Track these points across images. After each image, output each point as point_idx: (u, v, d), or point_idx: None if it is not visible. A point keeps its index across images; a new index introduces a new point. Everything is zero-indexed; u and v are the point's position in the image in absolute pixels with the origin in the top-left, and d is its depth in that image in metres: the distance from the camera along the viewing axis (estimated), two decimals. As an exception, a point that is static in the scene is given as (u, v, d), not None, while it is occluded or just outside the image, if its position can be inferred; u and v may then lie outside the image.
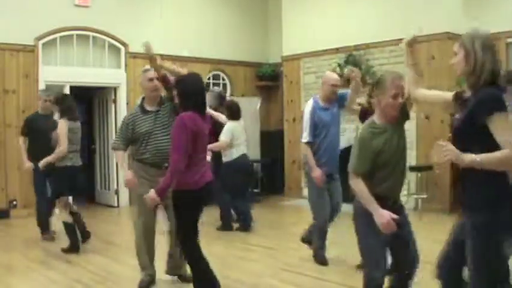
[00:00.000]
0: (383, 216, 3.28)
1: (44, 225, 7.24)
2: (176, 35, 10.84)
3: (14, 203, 8.94)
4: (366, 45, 9.54)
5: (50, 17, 9.28)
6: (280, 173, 11.32)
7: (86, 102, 11.27)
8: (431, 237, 5.81)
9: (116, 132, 10.15)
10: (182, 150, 4.04)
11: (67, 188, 6.55)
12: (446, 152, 2.78)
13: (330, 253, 6.15)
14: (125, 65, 10.27)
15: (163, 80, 4.92)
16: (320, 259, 5.80)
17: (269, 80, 12.02)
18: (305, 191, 10.68)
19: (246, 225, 7.73)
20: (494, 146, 2.73)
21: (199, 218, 4.33)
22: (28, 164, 7.02)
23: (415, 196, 8.62)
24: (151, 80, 4.92)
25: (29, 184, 8.32)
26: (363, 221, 3.45)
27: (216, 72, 11.69)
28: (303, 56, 10.72)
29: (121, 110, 10.21)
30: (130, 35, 10.19)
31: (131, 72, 10.29)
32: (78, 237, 6.61)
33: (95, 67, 9.94)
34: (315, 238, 5.87)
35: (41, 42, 9.24)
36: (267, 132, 11.58)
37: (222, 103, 8.18)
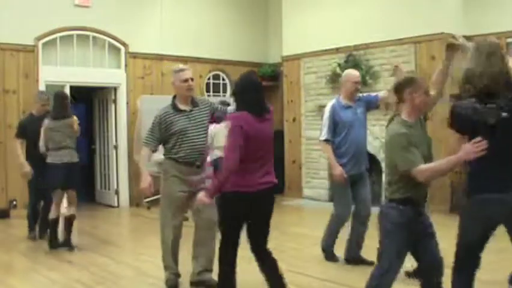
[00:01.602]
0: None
1: (31, 223, 7.30)
2: (176, 35, 10.84)
3: (14, 203, 8.94)
4: (366, 45, 9.54)
5: (50, 17, 9.28)
6: (280, 173, 11.31)
7: (86, 102, 11.28)
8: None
9: (116, 132, 10.23)
10: (234, 149, 3.89)
11: (53, 182, 6.56)
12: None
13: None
14: (125, 65, 10.27)
15: None
16: (330, 256, 5.83)
17: (269, 80, 11.99)
18: (305, 191, 10.72)
19: None
20: None
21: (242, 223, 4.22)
22: (28, 168, 6.99)
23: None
24: (185, 80, 4.86)
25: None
26: (389, 222, 3.42)
27: (215, 72, 11.69)
28: (303, 56, 10.72)
29: (120, 110, 10.22)
30: (130, 35, 10.20)
31: (131, 72, 10.30)
32: (57, 235, 6.70)
33: (95, 67, 9.94)
34: (326, 234, 5.86)
35: (41, 42, 9.25)
36: (267, 132, 11.55)
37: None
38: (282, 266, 5.56)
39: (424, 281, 3.60)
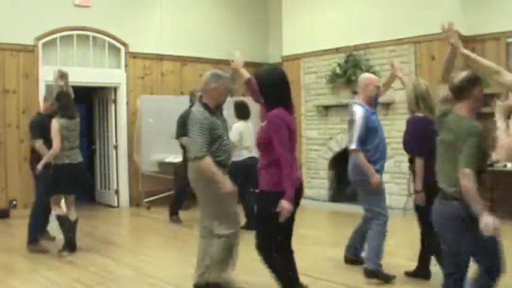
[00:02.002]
0: (490, 220, 3.16)
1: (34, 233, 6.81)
2: (176, 34, 10.84)
3: (14, 203, 8.94)
4: (366, 45, 9.53)
5: (50, 17, 9.28)
6: (280, 173, 11.27)
7: (86, 102, 11.27)
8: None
9: (116, 132, 10.23)
10: (285, 147, 4.00)
11: (64, 186, 6.42)
12: None
13: (332, 253, 6.15)
14: (125, 65, 10.27)
15: (248, 84, 4.91)
16: (385, 276, 5.23)
17: (269, 80, 11.99)
18: (306, 191, 10.67)
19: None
20: None
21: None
22: None
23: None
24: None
25: (29, 184, 8.32)
26: (456, 224, 3.39)
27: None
28: (303, 56, 10.71)
29: (120, 110, 10.22)
30: (130, 35, 10.21)
31: (131, 72, 10.30)
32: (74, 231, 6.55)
33: (95, 67, 9.94)
34: (372, 253, 5.26)
35: (41, 42, 9.25)
36: (267, 132, 11.53)
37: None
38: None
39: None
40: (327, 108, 10.22)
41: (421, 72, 8.81)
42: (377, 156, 5.30)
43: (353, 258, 5.74)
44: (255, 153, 6.92)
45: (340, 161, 10.22)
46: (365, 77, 5.61)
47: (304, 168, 10.74)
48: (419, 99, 4.96)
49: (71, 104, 6.59)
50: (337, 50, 10.01)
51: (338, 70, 9.74)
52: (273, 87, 4.13)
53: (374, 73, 9.22)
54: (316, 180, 10.43)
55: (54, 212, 6.67)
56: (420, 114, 4.96)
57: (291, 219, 4.19)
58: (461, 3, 8.82)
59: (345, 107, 9.85)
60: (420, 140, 4.81)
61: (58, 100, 6.55)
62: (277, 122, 3.98)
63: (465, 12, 8.78)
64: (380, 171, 5.31)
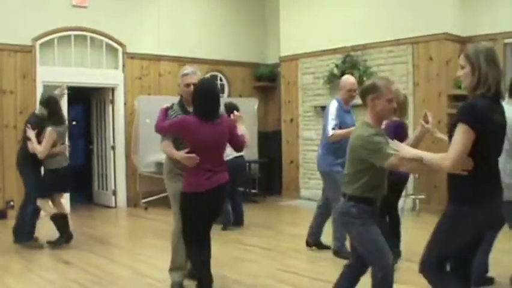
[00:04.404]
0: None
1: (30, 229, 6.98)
2: (174, 35, 10.84)
3: (11, 203, 8.92)
4: (364, 45, 9.55)
5: (48, 18, 9.28)
6: (277, 174, 11.31)
7: (84, 102, 11.27)
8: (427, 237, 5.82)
9: (114, 132, 10.22)
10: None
11: (55, 187, 6.72)
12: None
13: (329, 254, 6.15)
14: (123, 66, 10.26)
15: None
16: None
17: (267, 81, 12.01)
18: (302, 192, 10.72)
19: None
20: (473, 151, 2.98)
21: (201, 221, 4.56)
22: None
23: (413, 197, 8.62)
24: (188, 85, 4.78)
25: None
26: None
27: (213, 73, 11.68)
28: (300, 57, 10.73)
29: (118, 111, 10.22)
30: (128, 35, 10.20)
31: (129, 72, 10.29)
32: (67, 227, 6.81)
33: (92, 68, 9.93)
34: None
35: (38, 42, 9.24)
36: (264, 132, 11.57)
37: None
38: (279, 266, 5.59)
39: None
40: (324, 108, 10.20)
41: (419, 73, 8.82)
42: (340, 154, 5.48)
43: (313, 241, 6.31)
44: (242, 152, 7.00)
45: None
46: (342, 79, 6.08)
47: (302, 168, 10.75)
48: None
49: (60, 109, 6.79)
50: (335, 51, 10.02)
51: (335, 71, 9.75)
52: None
53: (371, 74, 9.33)
54: (313, 181, 10.43)
55: (44, 214, 6.86)
56: (397, 119, 5.31)
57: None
58: (459, 4, 8.83)
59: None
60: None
61: (48, 106, 6.65)
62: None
63: (462, 13, 8.80)
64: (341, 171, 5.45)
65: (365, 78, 9.32)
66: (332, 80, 9.88)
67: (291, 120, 11.00)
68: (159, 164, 10.01)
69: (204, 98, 4.45)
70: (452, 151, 3.00)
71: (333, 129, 5.72)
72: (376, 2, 9.45)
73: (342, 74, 9.63)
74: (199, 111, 4.41)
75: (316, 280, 5.30)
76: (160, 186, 10.18)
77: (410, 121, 8.73)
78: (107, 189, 10.47)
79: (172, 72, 10.83)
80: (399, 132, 5.11)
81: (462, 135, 2.98)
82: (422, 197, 8.53)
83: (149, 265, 6.11)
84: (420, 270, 3.33)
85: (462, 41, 8.80)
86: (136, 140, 9.99)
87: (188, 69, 4.99)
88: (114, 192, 10.28)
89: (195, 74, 4.89)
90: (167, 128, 4.63)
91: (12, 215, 8.72)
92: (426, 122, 4.39)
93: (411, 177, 8.60)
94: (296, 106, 10.87)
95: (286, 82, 11.15)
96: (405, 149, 3.33)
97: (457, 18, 8.78)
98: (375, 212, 3.66)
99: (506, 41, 8.43)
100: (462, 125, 2.98)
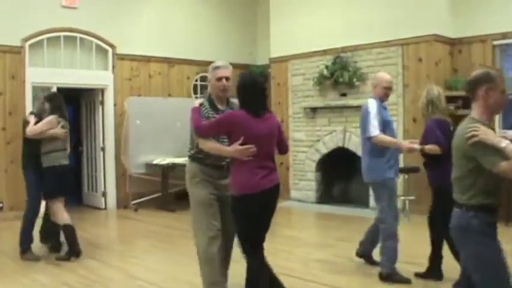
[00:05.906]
0: None
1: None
2: (164, 36, 10.83)
3: (1, 205, 8.86)
4: (354, 47, 9.57)
5: (37, 19, 9.21)
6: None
7: (74, 104, 11.20)
8: (419, 238, 5.84)
9: (103, 133, 10.18)
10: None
11: (57, 188, 6.30)
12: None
13: (321, 255, 6.16)
14: (113, 67, 10.23)
15: None
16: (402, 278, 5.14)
17: (257, 82, 12.00)
18: (293, 193, 10.73)
19: None
20: None
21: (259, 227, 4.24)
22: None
23: (403, 198, 8.65)
24: (219, 79, 4.60)
25: (16, 186, 8.28)
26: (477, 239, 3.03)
27: (203, 74, 11.65)
28: (290, 58, 10.73)
29: (108, 112, 10.18)
30: (118, 36, 10.17)
31: (119, 73, 10.26)
32: (77, 240, 6.40)
33: (82, 69, 9.88)
34: (385, 259, 5.21)
35: (28, 43, 9.18)
36: (254, 134, 11.54)
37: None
38: (272, 268, 5.57)
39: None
40: (314, 110, 10.25)
41: (408, 74, 8.86)
42: (392, 163, 5.34)
43: (362, 254, 5.82)
44: None
45: (327, 163, 10.29)
46: (377, 76, 5.69)
47: (292, 170, 10.77)
48: (429, 103, 5.21)
49: (64, 105, 6.56)
50: (324, 52, 10.04)
51: (325, 72, 9.77)
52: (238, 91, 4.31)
53: (361, 75, 9.37)
54: (304, 182, 10.46)
55: (57, 221, 6.41)
56: (438, 117, 5.18)
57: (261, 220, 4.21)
58: (449, 5, 8.88)
59: (332, 108, 9.92)
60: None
61: (51, 101, 6.44)
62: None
63: (452, 14, 8.85)
64: (392, 169, 5.34)
65: (354, 80, 9.40)
66: (322, 81, 9.90)
67: (281, 121, 11.00)
68: (149, 165, 10.03)
69: (252, 92, 4.22)
70: None
71: (378, 129, 5.23)
72: (366, 4, 9.47)
73: (332, 75, 9.70)
74: (249, 106, 4.15)
75: (310, 282, 5.31)
76: (150, 188, 10.19)
77: (399, 121, 8.80)
78: (96, 191, 10.43)
79: (162, 73, 10.82)
80: (443, 129, 5.01)
81: None
82: (412, 198, 8.55)
83: (141, 267, 6.10)
84: None
85: (452, 42, 8.86)
86: (125, 141, 9.97)
87: (219, 62, 4.72)
88: (104, 194, 10.24)
89: (227, 68, 4.64)
90: (212, 127, 4.20)
91: (2, 217, 8.69)
92: None
93: (401, 179, 8.65)
94: (286, 107, 10.88)
95: (276, 83, 11.16)
96: None
97: (446, 20, 8.83)
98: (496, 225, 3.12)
99: (495, 42, 8.49)
100: None
